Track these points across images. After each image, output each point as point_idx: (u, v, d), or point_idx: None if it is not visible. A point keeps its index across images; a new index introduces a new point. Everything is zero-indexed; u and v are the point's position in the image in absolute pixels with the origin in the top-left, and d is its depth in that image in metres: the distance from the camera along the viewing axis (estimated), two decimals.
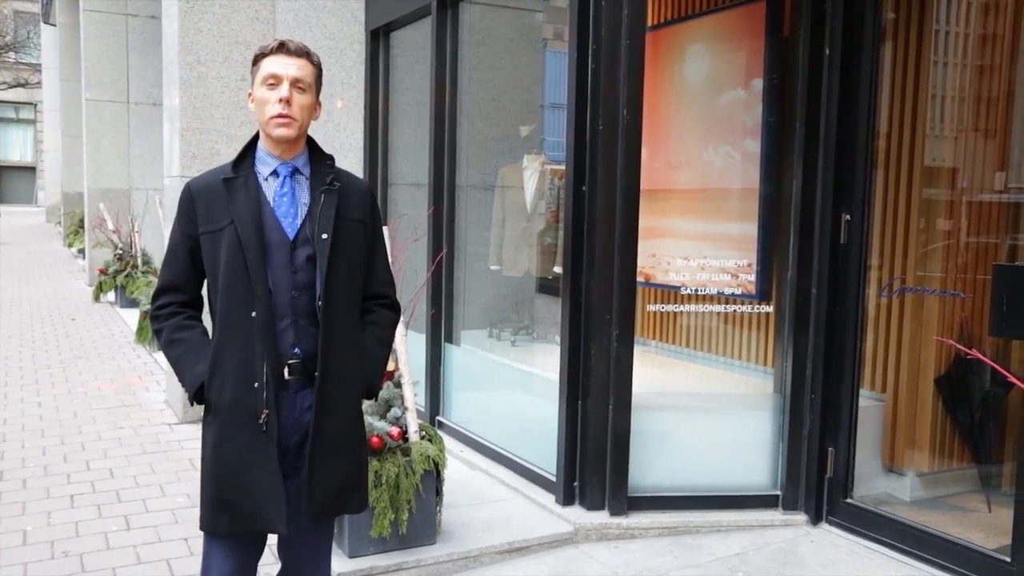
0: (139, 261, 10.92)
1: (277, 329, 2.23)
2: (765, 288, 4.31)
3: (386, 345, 2.48)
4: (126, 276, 10.75)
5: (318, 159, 2.36)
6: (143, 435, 5.45)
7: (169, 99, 5.80)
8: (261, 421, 2.20)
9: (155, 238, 10.67)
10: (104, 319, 10.19)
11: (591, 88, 3.92)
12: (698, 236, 4.52)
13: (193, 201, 2.28)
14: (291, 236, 2.26)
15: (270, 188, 2.28)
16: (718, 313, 4.84)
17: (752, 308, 4.44)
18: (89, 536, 3.88)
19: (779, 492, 4.10)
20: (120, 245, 11.36)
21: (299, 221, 2.28)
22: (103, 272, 11.40)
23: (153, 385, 6.80)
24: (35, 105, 34.62)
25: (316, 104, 2.31)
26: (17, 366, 7.46)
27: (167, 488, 4.50)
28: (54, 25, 21.33)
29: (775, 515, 4.05)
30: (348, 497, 2.38)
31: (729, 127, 4.44)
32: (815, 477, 4.01)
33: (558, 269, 4.68)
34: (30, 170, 36.99)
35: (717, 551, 3.76)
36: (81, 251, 16.09)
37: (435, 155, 5.25)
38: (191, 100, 5.49)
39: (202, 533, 2.35)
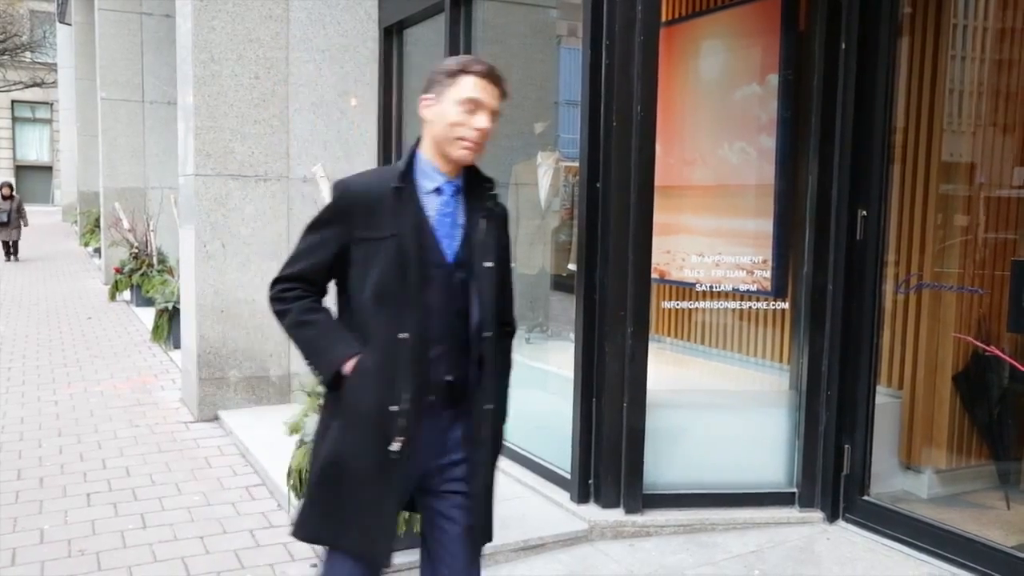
0: (154, 260, 10.97)
1: (430, 355, 2.13)
2: (781, 284, 4.28)
3: (509, 374, 2.40)
4: (142, 275, 10.81)
5: (474, 177, 2.25)
6: (159, 433, 5.47)
7: (183, 97, 5.82)
8: (395, 448, 2.09)
9: (170, 237, 10.70)
10: (120, 318, 10.26)
11: (605, 84, 3.90)
12: (713, 232, 4.50)
13: (354, 202, 2.16)
14: (450, 259, 2.16)
15: (431, 204, 2.17)
16: (733, 310, 4.82)
17: (768, 305, 4.42)
18: (105, 534, 3.90)
19: (795, 489, 4.08)
20: (136, 244, 11.42)
21: (457, 244, 2.17)
22: (119, 271, 11.46)
23: (169, 384, 6.84)
24: (51, 104, 34.88)
25: None
26: (34, 365, 7.51)
27: (183, 486, 4.52)
28: (70, 24, 21.46)
29: (791, 512, 4.03)
30: (489, 527, 2.36)
31: (744, 123, 4.41)
32: (831, 474, 3.99)
33: (572, 266, 4.67)
34: (47, 169, 37.27)
35: (733, 549, 3.75)
36: (97, 250, 16.18)
37: None
38: (205, 98, 5.51)
39: (294, 539, 2.25)
